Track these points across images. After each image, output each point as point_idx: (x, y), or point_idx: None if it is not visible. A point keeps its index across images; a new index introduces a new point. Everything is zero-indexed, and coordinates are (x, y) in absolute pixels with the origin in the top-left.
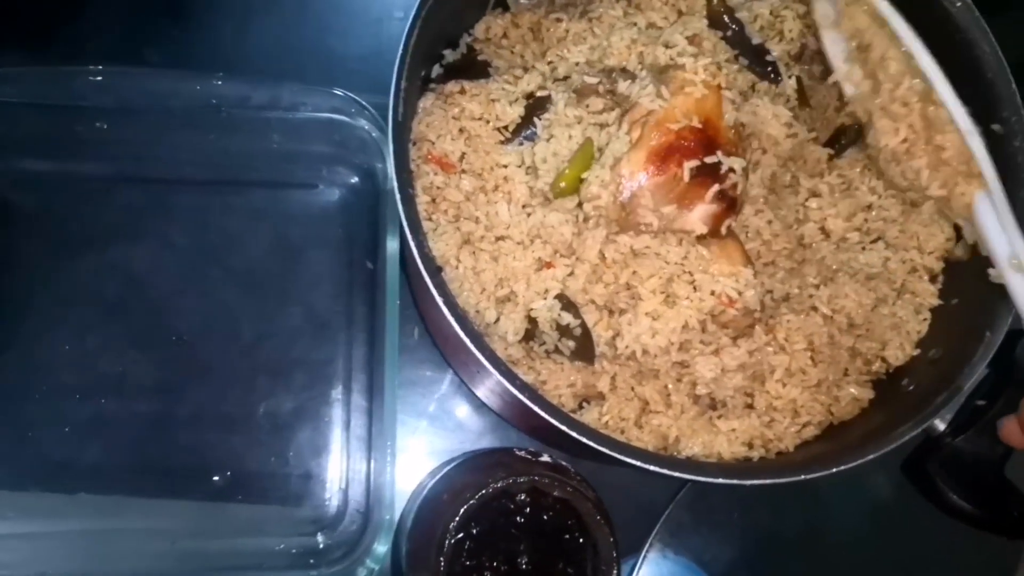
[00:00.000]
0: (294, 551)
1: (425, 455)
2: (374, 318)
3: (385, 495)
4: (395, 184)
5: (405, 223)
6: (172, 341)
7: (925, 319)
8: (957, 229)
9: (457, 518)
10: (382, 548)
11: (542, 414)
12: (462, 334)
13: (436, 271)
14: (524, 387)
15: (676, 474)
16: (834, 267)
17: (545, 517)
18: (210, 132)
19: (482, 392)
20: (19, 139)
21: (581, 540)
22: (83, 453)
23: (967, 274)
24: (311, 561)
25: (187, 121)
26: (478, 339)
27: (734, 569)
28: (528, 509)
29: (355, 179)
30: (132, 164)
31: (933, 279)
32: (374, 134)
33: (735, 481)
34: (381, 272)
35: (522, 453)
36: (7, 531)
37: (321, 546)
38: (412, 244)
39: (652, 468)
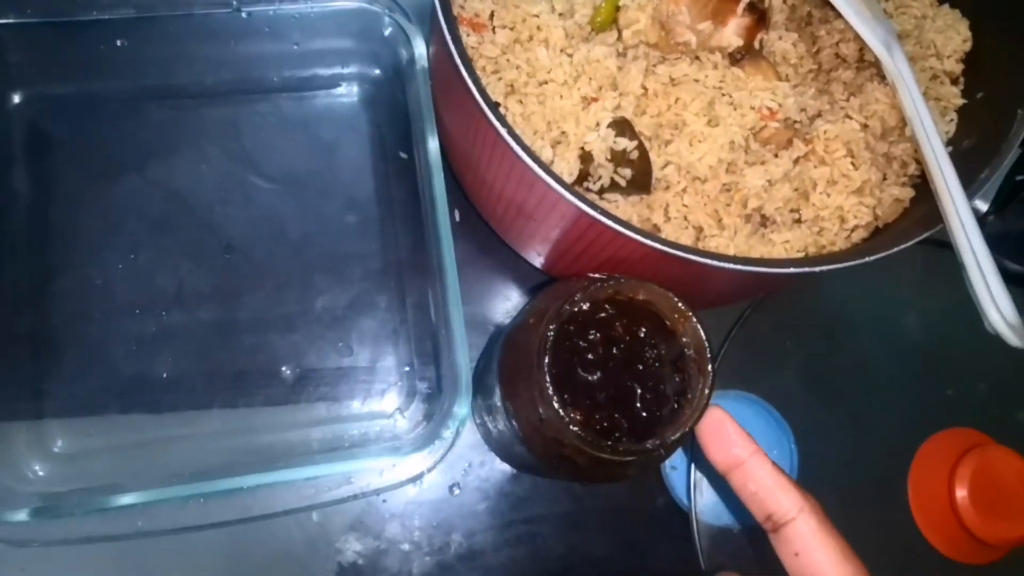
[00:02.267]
0: (373, 431)
1: (476, 326)
2: (417, 204)
3: (458, 359)
4: (440, 14)
5: (457, 58)
6: (222, 249)
7: (952, 120)
8: (972, 28)
9: (553, 325)
10: (463, 409)
11: (617, 228)
12: (528, 159)
13: (495, 105)
14: (595, 206)
15: (751, 268)
16: (859, 83)
17: (615, 351)
18: (229, 39)
19: (537, 247)
20: (44, 64)
21: (657, 364)
22: (153, 367)
23: (987, 66)
24: (391, 435)
25: (207, 29)
26: (545, 166)
27: (791, 399)
28: (601, 349)
29: (377, 71)
30: (157, 80)
31: (955, 81)
32: (395, 19)
33: (806, 269)
34: (422, 157)
35: (595, 275)
36: (89, 447)
37: (398, 422)
38: (468, 79)
39: (728, 266)
